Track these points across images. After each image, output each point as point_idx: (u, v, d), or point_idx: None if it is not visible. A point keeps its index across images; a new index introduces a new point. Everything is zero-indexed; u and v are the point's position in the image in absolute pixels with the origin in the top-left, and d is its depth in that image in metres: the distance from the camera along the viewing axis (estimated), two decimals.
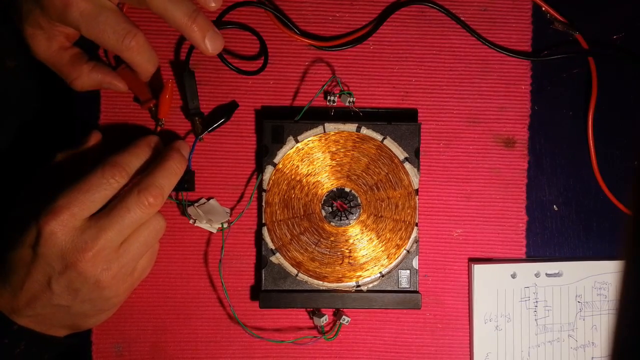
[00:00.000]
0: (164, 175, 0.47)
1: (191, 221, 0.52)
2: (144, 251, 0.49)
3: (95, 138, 0.51)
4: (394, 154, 0.52)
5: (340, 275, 0.52)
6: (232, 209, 0.54)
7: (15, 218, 0.47)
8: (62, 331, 0.49)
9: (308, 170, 0.52)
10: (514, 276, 0.54)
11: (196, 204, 0.53)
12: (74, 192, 0.45)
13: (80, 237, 0.45)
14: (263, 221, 0.52)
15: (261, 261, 0.52)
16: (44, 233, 0.44)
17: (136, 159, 0.48)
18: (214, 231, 0.53)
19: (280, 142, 0.52)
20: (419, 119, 0.54)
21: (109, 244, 0.46)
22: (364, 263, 0.52)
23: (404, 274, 0.52)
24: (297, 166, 0.52)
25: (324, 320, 0.52)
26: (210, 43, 0.48)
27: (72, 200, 0.45)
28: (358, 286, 0.52)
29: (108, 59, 0.53)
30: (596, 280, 0.55)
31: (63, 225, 0.44)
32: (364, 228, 0.53)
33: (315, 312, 0.53)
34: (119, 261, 0.47)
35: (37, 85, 0.56)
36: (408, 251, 0.52)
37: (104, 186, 0.46)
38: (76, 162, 0.50)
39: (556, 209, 0.55)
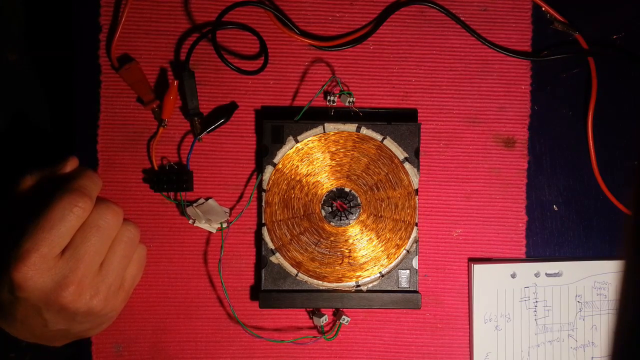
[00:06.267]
0: (91, 179, 0.47)
1: (190, 221, 0.52)
2: (126, 264, 0.48)
3: (72, 164, 0.49)
4: (394, 154, 0.52)
5: (340, 275, 0.52)
6: (231, 209, 0.54)
7: None
8: (64, 342, 0.49)
9: (308, 170, 0.52)
10: (513, 276, 0.54)
11: (195, 204, 0.53)
12: (39, 232, 0.43)
13: (58, 274, 0.43)
14: (263, 221, 0.52)
15: (261, 261, 0.52)
16: (17, 281, 0.42)
17: (92, 182, 0.47)
18: (213, 231, 0.53)
19: (280, 142, 0.52)
20: (418, 119, 0.54)
21: (89, 270, 0.44)
22: (363, 263, 0.52)
23: (404, 273, 0.52)
24: (297, 166, 0.52)
25: (324, 320, 0.52)
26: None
27: (39, 241, 0.42)
28: (358, 286, 0.52)
29: (111, 60, 0.53)
30: (596, 280, 0.55)
31: (35, 269, 0.42)
32: (364, 228, 0.53)
33: (315, 312, 0.53)
34: (104, 282, 0.46)
35: (38, 81, 0.56)
36: (408, 251, 0.52)
37: (68, 217, 0.43)
38: (46, 188, 0.47)
39: (556, 209, 0.55)
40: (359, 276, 0.52)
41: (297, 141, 0.52)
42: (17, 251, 0.42)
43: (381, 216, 0.53)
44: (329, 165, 0.52)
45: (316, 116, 0.53)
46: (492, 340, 0.54)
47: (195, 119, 0.52)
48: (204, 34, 0.52)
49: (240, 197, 0.54)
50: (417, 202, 0.53)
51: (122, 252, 0.47)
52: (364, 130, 0.52)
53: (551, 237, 0.55)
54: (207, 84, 0.54)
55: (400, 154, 0.52)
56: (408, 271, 0.52)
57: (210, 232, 0.53)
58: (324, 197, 0.52)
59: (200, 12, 0.54)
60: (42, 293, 0.43)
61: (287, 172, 0.52)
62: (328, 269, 0.52)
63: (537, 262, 0.55)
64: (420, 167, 0.53)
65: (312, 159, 0.52)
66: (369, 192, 0.53)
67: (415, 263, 0.52)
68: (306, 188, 0.52)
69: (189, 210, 0.52)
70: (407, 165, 0.52)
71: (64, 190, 0.45)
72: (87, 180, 0.47)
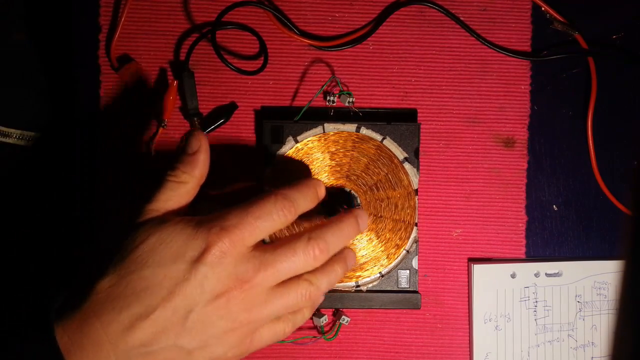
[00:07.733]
0: (335, 234, 0.43)
1: None
2: (281, 313, 0.42)
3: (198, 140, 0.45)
4: (394, 154, 0.52)
5: None
6: None
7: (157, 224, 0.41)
8: None
9: None
10: (513, 276, 0.54)
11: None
12: (246, 215, 0.40)
13: (242, 265, 0.39)
14: None
15: None
16: (214, 250, 0.39)
17: (304, 200, 0.43)
18: None
19: (279, 143, 0.52)
20: (418, 119, 0.54)
21: (264, 283, 0.40)
22: (363, 263, 0.52)
23: (404, 274, 0.52)
24: None
25: (324, 320, 0.52)
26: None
27: (244, 223, 0.40)
28: (358, 286, 0.52)
29: (110, 59, 0.53)
30: (596, 280, 0.55)
31: (234, 247, 0.39)
32: None
33: (314, 312, 0.53)
34: (259, 309, 0.41)
35: (41, 62, 0.56)
36: (408, 251, 0.52)
37: (273, 217, 0.41)
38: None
39: (556, 209, 0.55)
40: (359, 276, 0.52)
41: (296, 141, 0.52)
42: (222, 220, 0.40)
43: (381, 216, 0.53)
44: (329, 166, 0.53)
45: (316, 116, 0.53)
46: (492, 340, 0.54)
47: (195, 119, 0.52)
48: (203, 34, 0.52)
49: None
50: (416, 202, 0.53)
51: (290, 302, 0.42)
52: (364, 130, 0.52)
53: (551, 237, 0.55)
54: (207, 84, 0.54)
55: (400, 154, 0.52)
56: (408, 271, 0.52)
57: None
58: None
59: (199, 12, 0.54)
60: (220, 276, 0.39)
61: None
62: None
63: (537, 262, 0.55)
64: (420, 167, 0.53)
65: (312, 159, 0.52)
66: (369, 192, 0.53)
67: (415, 263, 0.52)
68: None
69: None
70: (406, 165, 0.52)
71: (277, 193, 0.42)
72: (300, 195, 0.43)
